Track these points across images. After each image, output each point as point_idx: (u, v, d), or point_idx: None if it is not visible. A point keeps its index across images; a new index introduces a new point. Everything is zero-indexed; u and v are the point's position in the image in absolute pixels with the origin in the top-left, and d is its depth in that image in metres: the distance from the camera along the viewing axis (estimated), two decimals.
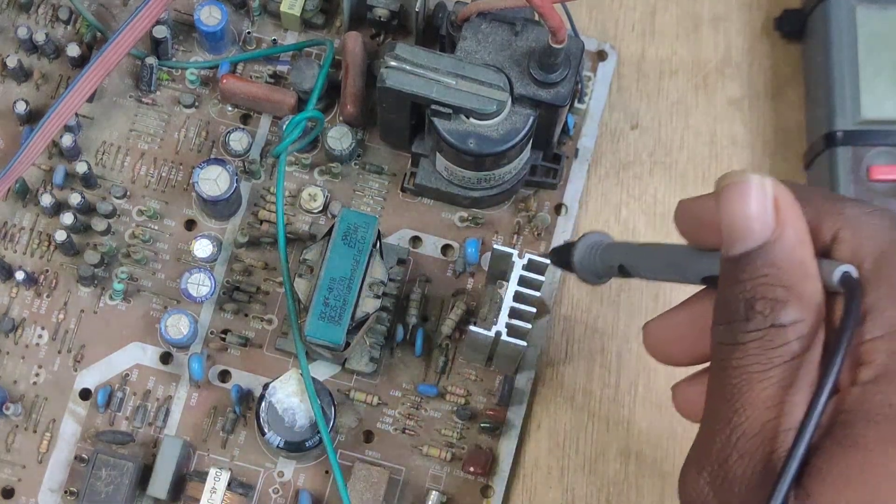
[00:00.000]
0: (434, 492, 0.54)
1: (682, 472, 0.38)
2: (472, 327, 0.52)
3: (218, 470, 0.53)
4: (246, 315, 0.57)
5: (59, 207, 0.57)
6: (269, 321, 0.57)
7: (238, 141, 0.58)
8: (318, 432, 0.52)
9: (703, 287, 0.42)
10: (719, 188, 0.37)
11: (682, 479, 0.38)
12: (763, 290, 0.37)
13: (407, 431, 0.56)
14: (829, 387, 0.36)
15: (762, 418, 0.36)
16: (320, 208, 0.58)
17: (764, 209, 0.37)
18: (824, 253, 0.38)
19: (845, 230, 0.38)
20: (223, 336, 0.56)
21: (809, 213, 0.38)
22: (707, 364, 0.41)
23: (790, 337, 0.36)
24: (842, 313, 0.36)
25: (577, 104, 0.59)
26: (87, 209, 0.57)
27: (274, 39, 0.60)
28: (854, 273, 0.37)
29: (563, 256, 0.49)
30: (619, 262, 0.45)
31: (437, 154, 0.55)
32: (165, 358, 0.56)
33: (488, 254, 0.56)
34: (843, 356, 0.36)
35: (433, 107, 0.53)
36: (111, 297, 0.57)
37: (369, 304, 0.52)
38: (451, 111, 0.53)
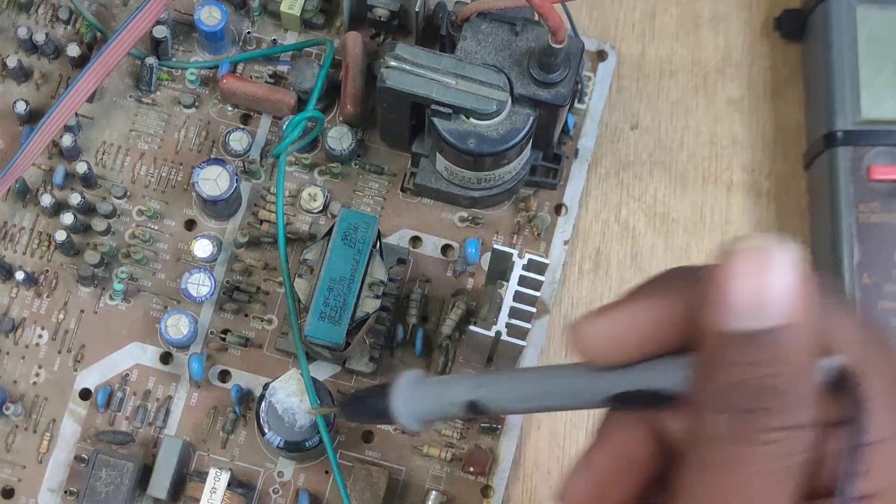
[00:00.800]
0: (434, 492, 0.54)
1: None
2: (472, 327, 0.52)
3: (218, 470, 0.53)
4: (246, 315, 0.57)
5: (59, 207, 0.57)
6: (269, 321, 0.57)
7: (238, 141, 0.58)
8: (318, 432, 0.52)
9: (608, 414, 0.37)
10: (736, 248, 0.32)
11: None
12: (770, 382, 0.31)
13: (407, 431, 0.56)
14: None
15: None
16: (320, 208, 0.58)
17: (790, 285, 0.31)
18: None
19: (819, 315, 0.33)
20: (223, 336, 0.56)
21: None
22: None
23: (802, 442, 0.32)
24: (848, 419, 0.32)
25: (577, 104, 0.59)
26: (87, 209, 0.57)
27: (274, 39, 0.60)
28: (850, 367, 0.33)
29: (367, 406, 0.43)
30: (468, 399, 0.38)
31: (437, 154, 0.55)
32: (165, 358, 0.56)
33: (488, 254, 0.56)
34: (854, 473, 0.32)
35: (433, 107, 0.53)
36: (111, 297, 0.57)
37: (369, 304, 0.52)
38: (451, 111, 0.53)
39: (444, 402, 0.39)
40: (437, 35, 0.57)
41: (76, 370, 0.56)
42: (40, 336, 0.56)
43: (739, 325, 0.32)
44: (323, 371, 0.56)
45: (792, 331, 0.31)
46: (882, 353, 0.34)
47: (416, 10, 0.57)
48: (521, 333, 0.52)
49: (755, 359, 0.32)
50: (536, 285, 0.52)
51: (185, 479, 0.54)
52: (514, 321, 0.52)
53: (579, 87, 0.59)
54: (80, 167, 0.56)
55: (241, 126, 0.58)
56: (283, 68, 0.59)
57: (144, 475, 0.53)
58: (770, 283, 0.31)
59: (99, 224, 0.56)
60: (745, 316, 0.32)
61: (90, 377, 0.56)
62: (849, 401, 0.32)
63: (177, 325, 0.55)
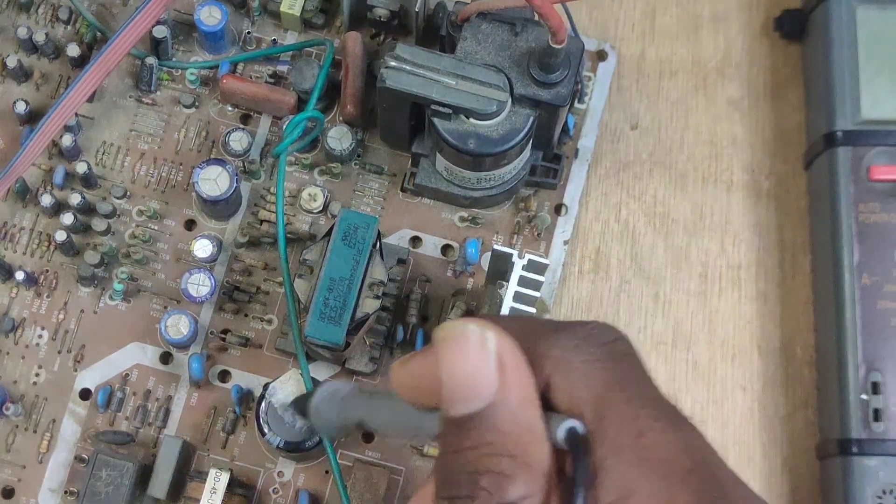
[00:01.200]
0: None
1: None
2: None
3: (218, 470, 0.53)
4: (246, 315, 0.57)
5: (59, 207, 0.57)
6: (269, 321, 0.57)
7: (238, 141, 0.58)
8: (318, 432, 0.52)
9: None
10: (436, 341, 0.34)
11: None
12: (487, 462, 0.33)
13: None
14: None
15: None
16: (320, 208, 0.58)
17: (485, 366, 0.33)
18: (544, 402, 0.34)
19: (556, 376, 0.34)
20: (223, 336, 0.56)
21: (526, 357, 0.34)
22: None
23: None
24: (573, 479, 0.33)
25: (577, 104, 0.59)
26: (87, 209, 0.57)
27: (274, 39, 0.60)
28: (580, 429, 0.33)
29: (302, 405, 0.47)
30: (357, 418, 0.42)
31: (437, 154, 0.55)
32: (165, 358, 0.56)
33: (488, 254, 0.56)
34: None
35: (433, 107, 0.53)
36: (111, 297, 0.57)
37: (369, 305, 0.52)
38: (451, 111, 0.53)
39: (343, 419, 0.43)
40: (437, 35, 0.57)
41: (76, 370, 0.56)
42: (40, 336, 0.56)
43: (453, 413, 0.33)
44: (323, 371, 0.56)
45: (500, 407, 0.33)
46: (620, 408, 0.34)
47: (416, 10, 0.57)
48: None
49: (466, 444, 0.33)
50: (536, 285, 0.52)
51: (185, 479, 0.54)
52: None
53: (579, 87, 0.58)
54: (80, 167, 0.56)
55: (241, 126, 0.58)
56: (283, 68, 0.59)
57: (144, 475, 0.53)
58: (470, 368, 0.33)
59: (99, 224, 0.56)
60: (455, 402, 0.33)
61: (90, 377, 0.56)
62: (579, 463, 0.33)
63: (177, 325, 0.55)
